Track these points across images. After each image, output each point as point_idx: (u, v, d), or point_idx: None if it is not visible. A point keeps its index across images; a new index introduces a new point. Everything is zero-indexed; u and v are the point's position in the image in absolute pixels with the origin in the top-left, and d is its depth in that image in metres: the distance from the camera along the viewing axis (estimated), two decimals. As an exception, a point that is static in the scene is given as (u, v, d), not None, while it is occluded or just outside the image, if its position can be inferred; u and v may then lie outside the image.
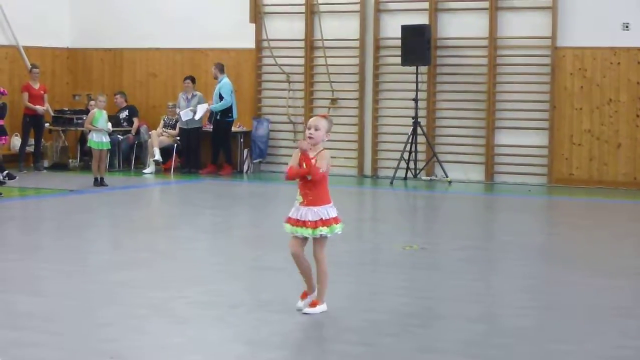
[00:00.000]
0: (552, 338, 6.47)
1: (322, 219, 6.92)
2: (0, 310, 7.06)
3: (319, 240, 6.98)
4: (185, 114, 17.77)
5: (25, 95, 17.83)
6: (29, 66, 18.45)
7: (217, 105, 17.60)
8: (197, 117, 17.76)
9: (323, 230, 6.92)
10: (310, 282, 7.09)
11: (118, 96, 18.83)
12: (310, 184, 6.94)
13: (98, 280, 8.23)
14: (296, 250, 6.97)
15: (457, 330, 6.65)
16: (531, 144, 16.64)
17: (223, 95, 17.61)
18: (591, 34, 16.14)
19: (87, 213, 13.07)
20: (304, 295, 7.10)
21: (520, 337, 6.48)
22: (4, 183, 14.85)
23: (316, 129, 6.98)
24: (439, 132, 17.42)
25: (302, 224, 6.92)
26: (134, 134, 18.61)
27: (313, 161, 6.89)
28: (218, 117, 17.79)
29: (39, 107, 17.82)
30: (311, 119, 7.13)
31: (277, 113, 18.46)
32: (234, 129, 18.15)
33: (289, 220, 6.99)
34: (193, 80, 18.19)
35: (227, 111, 17.76)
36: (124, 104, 18.88)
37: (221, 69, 17.85)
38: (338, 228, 7.01)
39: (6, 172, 15.13)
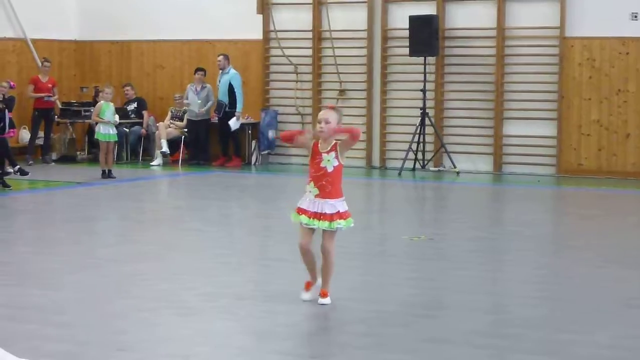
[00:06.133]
0: (560, 328, 6.46)
1: (339, 211, 6.91)
2: (9, 303, 7.07)
3: (332, 233, 6.96)
4: (234, 124, 17.67)
5: (30, 87, 17.83)
6: (38, 59, 18.46)
7: (239, 104, 17.62)
8: (235, 127, 17.70)
9: (341, 222, 6.91)
10: (314, 273, 7.10)
11: (128, 88, 18.80)
12: (331, 177, 6.91)
13: (107, 272, 8.25)
14: (306, 242, 6.96)
15: (465, 320, 6.64)
16: (539, 134, 16.60)
17: (235, 88, 17.61)
18: (599, 24, 16.06)
19: (95, 205, 13.09)
20: (308, 286, 7.11)
21: (529, 327, 6.46)
22: (9, 174, 14.76)
23: (327, 122, 6.94)
24: (447, 122, 17.39)
25: (319, 216, 6.89)
26: (145, 127, 18.58)
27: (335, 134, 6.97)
28: (227, 109, 17.78)
29: (44, 94, 17.78)
30: (320, 113, 7.08)
31: (285, 104, 18.45)
32: (242, 120, 18.13)
33: (304, 212, 6.92)
34: (205, 72, 18.17)
35: (235, 102, 17.76)
36: (134, 96, 18.87)
37: (228, 59, 17.85)
38: (351, 222, 7.02)
39: (18, 167, 15.07)
